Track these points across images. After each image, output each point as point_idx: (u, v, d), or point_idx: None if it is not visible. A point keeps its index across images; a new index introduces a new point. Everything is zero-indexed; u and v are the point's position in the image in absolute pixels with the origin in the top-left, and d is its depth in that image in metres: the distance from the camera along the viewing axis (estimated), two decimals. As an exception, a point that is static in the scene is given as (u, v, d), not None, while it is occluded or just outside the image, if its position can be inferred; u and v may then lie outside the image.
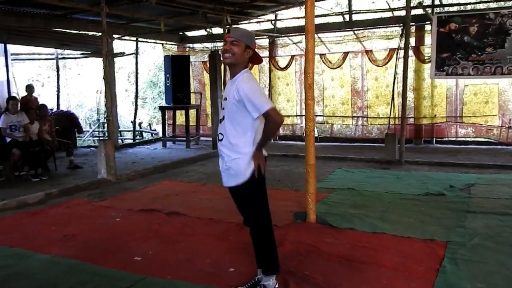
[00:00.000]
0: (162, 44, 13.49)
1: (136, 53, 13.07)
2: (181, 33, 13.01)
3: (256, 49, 3.33)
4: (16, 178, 7.70)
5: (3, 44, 11.03)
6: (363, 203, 5.77)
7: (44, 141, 8.08)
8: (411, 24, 8.97)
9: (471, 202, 5.74)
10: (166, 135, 12.29)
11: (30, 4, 8.54)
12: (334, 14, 11.50)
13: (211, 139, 11.28)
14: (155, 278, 3.59)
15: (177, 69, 11.20)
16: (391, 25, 10.77)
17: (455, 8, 10.69)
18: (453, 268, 3.69)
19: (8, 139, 7.66)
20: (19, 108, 8.03)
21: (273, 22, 12.09)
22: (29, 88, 10.49)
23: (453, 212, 5.33)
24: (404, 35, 8.86)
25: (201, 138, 12.30)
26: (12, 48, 11.69)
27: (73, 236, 4.65)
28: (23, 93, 10.76)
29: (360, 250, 4.12)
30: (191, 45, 13.51)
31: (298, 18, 11.92)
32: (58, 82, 13.51)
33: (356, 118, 11.63)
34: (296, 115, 12.37)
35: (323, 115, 11.74)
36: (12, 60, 11.86)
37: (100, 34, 9.07)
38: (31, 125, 7.98)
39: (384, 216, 5.19)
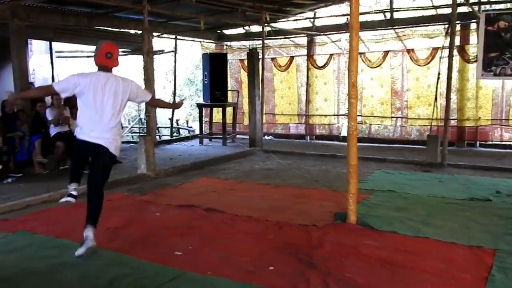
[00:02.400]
0: (201, 42, 13.60)
1: (175, 51, 13.21)
2: (219, 31, 13.08)
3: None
4: (60, 171, 7.92)
5: (48, 42, 11.40)
6: (405, 206, 5.62)
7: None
8: (456, 22, 8.67)
9: (520, 209, 5.50)
10: (203, 132, 12.38)
11: (74, 2, 8.77)
12: (375, 12, 11.28)
13: (247, 137, 11.29)
14: (195, 274, 3.59)
15: (214, 67, 11.27)
16: (434, 24, 10.48)
17: (502, 6, 10.26)
18: (503, 278, 3.52)
19: (52, 133, 7.89)
20: (62, 102, 8.26)
21: (311, 20, 11.98)
22: (72, 85, 10.76)
23: (501, 218, 5.12)
24: (449, 33, 8.58)
25: (237, 136, 12.33)
26: (55, 45, 12.04)
27: (114, 229, 4.73)
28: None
29: (402, 254, 4.00)
30: (228, 43, 13.57)
31: (338, 16, 11.79)
32: (99, 79, 13.80)
33: (395, 118, 11.39)
34: (333, 115, 12.22)
35: (361, 115, 11.55)
36: (56, 57, 12.22)
37: (141, 32, 9.25)
38: (73, 120, 8.19)
39: (426, 220, 5.03)
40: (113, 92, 4.25)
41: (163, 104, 5.71)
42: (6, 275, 3.59)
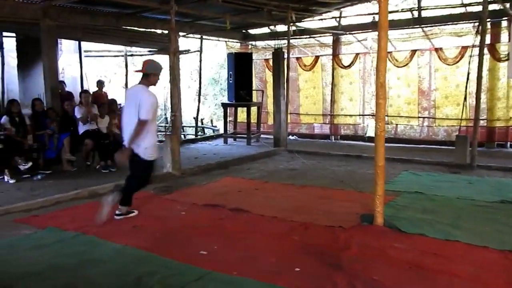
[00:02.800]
0: (226, 41, 13.64)
1: (200, 51, 13.29)
2: (244, 30, 13.09)
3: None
4: (87, 169, 8.06)
5: (77, 42, 11.61)
6: (433, 208, 5.51)
7: (113, 135, 8.40)
8: (487, 20, 8.45)
9: (554, 213, 5.33)
10: (228, 131, 12.41)
11: (102, 3, 8.90)
12: (403, 10, 11.10)
13: (272, 136, 11.27)
14: (221, 273, 3.59)
15: (239, 66, 11.28)
16: (463, 22, 10.25)
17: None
18: (537, 283, 3.43)
19: (81, 131, 8.03)
20: (90, 101, 8.41)
21: (337, 19, 11.87)
22: (100, 84, 10.96)
23: (534, 222, 4.97)
24: (479, 31, 8.37)
25: (262, 136, 12.32)
26: (84, 45, 12.26)
27: (141, 227, 4.79)
28: (93, 88, 11.26)
29: (431, 258, 3.93)
30: (253, 42, 13.57)
31: (364, 15, 11.65)
32: (126, 78, 14.02)
33: (421, 118, 11.19)
34: (359, 115, 12.09)
35: (387, 115, 11.37)
36: (84, 56, 12.45)
37: (167, 32, 9.33)
38: (102, 119, 8.33)
39: (456, 223, 4.92)
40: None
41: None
42: (37, 270, 3.66)
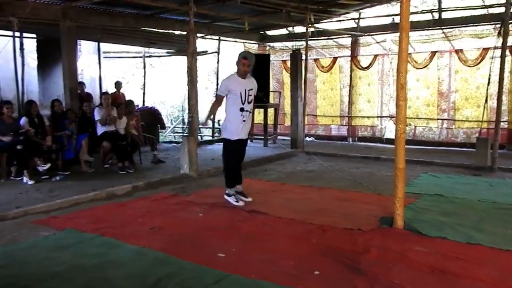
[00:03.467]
0: (243, 43, 13.64)
1: (218, 52, 13.32)
2: (261, 32, 13.08)
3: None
4: (105, 170, 8.12)
5: (96, 43, 11.73)
6: (454, 211, 5.42)
7: (131, 136, 8.46)
8: (509, 21, 8.29)
9: None
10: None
11: (122, 4, 8.98)
12: (423, 12, 10.97)
13: (289, 138, 11.23)
14: (239, 276, 3.56)
15: (257, 67, 11.09)
16: (484, 23, 10.09)
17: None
18: None
19: (99, 132, 8.09)
20: (110, 103, 8.47)
21: (356, 20, 11.78)
22: (118, 85, 11.06)
23: (558, 226, 4.85)
24: (501, 33, 8.22)
25: (279, 137, 12.29)
26: (102, 46, 12.37)
27: (159, 229, 4.78)
28: (111, 89, 11.36)
29: (454, 261, 3.85)
30: (271, 44, 13.55)
31: (383, 16, 11.55)
32: (144, 79, 14.12)
33: (441, 120, 11.03)
34: (377, 117, 11.98)
35: (406, 117, 11.22)
36: (103, 58, 12.56)
37: (185, 33, 9.36)
38: (119, 120, 8.39)
39: (478, 226, 4.82)
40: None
41: None
42: (57, 271, 3.68)
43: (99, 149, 8.09)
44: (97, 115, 8.06)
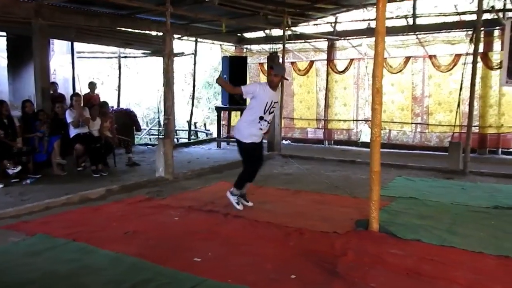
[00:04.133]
0: (221, 45, 13.60)
1: (195, 54, 13.24)
2: (239, 34, 13.06)
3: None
4: (78, 173, 7.95)
5: (70, 42, 11.50)
6: (428, 214, 5.50)
7: (105, 138, 8.31)
8: (480, 29, 8.51)
9: (547, 219, 5.34)
10: (221, 135, 12.35)
11: (97, 3, 8.82)
12: (398, 17, 11.15)
13: (265, 141, 11.19)
14: (216, 281, 3.52)
15: (234, 70, 11.25)
16: (457, 30, 10.32)
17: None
18: (535, 290, 3.41)
19: (72, 135, 7.91)
20: (82, 104, 8.30)
21: (332, 24, 11.89)
22: (92, 85, 10.87)
23: (529, 228, 4.98)
24: (473, 40, 8.41)
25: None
26: (76, 46, 12.15)
27: (134, 233, 4.69)
28: (85, 90, 11.15)
29: (429, 264, 3.89)
30: (248, 46, 13.54)
31: (359, 21, 11.68)
32: (119, 80, 13.92)
33: (415, 124, 11.23)
34: (352, 120, 12.10)
35: (381, 121, 11.37)
36: (77, 58, 12.33)
37: (162, 34, 9.26)
38: (93, 122, 8.23)
39: (452, 229, 4.91)
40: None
41: None
42: (31, 278, 3.57)
43: (72, 152, 7.91)
44: (69, 118, 7.85)
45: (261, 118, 5.42)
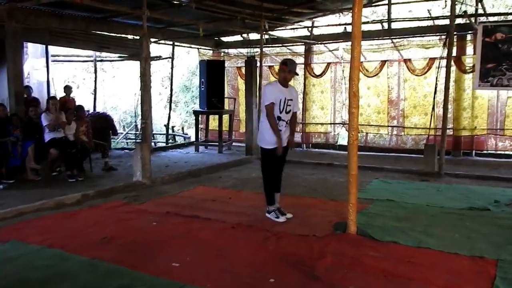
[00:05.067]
0: (198, 48, 13.56)
1: (172, 57, 13.16)
2: (216, 38, 13.05)
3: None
4: (53, 178, 7.80)
5: (44, 46, 11.28)
6: (405, 216, 5.58)
7: (80, 142, 8.17)
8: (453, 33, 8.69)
9: (519, 219, 5.48)
10: (199, 139, 12.30)
11: (72, 6, 8.69)
12: (373, 22, 11.31)
13: (243, 144, 11.22)
14: (194, 286, 3.50)
15: (212, 74, 11.23)
16: (431, 34, 10.52)
17: (496, 18, 10.34)
18: (507, 289, 3.49)
19: (47, 139, 7.77)
20: (58, 107, 8.16)
21: (309, 29, 11.99)
22: (67, 89, 10.69)
23: (501, 228, 5.10)
24: (446, 44, 8.59)
25: (234, 144, 12.27)
26: (51, 49, 11.93)
27: (111, 239, 4.63)
28: (60, 93, 10.96)
29: (406, 266, 3.95)
30: (226, 50, 13.53)
31: (335, 25, 11.80)
32: (95, 84, 13.74)
33: (391, 127, 11.38)
34: (330, 123, 12.20)
35: (358, 124, 11.49)
36: (51, 61, 12.11)
37: (138, 37, 9.18)
38: (68, 126, 8.10)
39: (428, 230, 4.99)
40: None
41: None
42: (4, 286, 3.49)
43: (47, 156, 7.76)
44: (44, 121, 7.72)
45: (279, 118, 5.20)
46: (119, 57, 13.29)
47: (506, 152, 10.47)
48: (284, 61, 5.33)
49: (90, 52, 13.33)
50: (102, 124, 10.99)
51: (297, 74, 5.64)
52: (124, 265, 3.89)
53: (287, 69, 5.21)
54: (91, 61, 13.95)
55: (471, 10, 10.15)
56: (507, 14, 10.28)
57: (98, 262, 3.96)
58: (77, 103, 10.18)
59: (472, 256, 4.19)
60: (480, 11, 9.78)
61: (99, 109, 13.87)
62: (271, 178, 5.47)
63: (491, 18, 9.99)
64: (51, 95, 10.70)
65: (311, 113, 12.37)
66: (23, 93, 8.71)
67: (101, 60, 14.47)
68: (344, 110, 11.86)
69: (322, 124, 12.29)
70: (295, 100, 5.40)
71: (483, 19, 9.66)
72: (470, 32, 10.02)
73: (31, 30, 8.87)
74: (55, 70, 13.01)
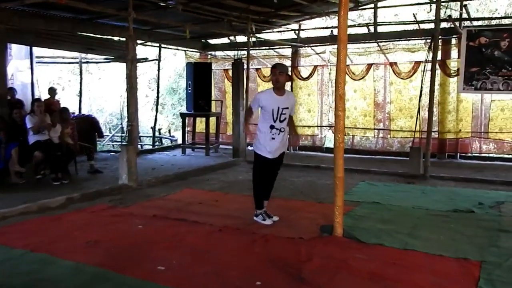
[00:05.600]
0: (185, 51, 13.52)
1: (159, 59, 13.10)
2: (203, 40, 13.03)
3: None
4: (37, 181, 7.70)
5: (28, 47, 11.15)
6: (390, 218, 5.61)
7: (66, 145, 8.09)
8: (438, 37, 8.80)
9: (503, 221, 5.55)
10: (186, 142, 12.25)
11: (57, 7, 8.60)
12: (359, 25, 11.40)
13: (230, 147, 11.20)
14: (181, 290, 3.49)
15: (199, 76, 11.20)
16: (416, 38, 10.64)
17: (480, 22, 10.53)
18: (491, 290, 3.53)
19: (31, 141, 7.67)
20: (43, 110, 8.06)
21: (296, 32, 12.04)
22: (52, 91, 10.57)
23: (485, 230, 5.15)
24: (431, 48, 8.69)
25: (221, 146, 12.24)
26: (35, 50, 11.79)
27: (96, 242, 4.58)
28: (45, 95, 10.84)
29: (392, 268, 3.98)
30: (213, 52, 13.52)
31: (322, 28, 11.88)
32: (80, 86, 13.61)
33: (377, 130, 11.47)
34: (317, 126, 12.25)
35: (344, 127, 11.55)
36: (36, 62, 11.96)
37: (125, 39, 9.13)
38: (53, 128, 8.00)
39: (413, 233, 5.02)
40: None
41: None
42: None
43: (31, 159, 7.66)
44: (28, 123, 7.61)
45: (272, 127, 5.17)
46: (105, 59, 13.20)
47: (490, 155, 10.61)
48: (274, 64, 5.41)
49: (76, 54, 13.21)
50: (88, 127, 10.89)
51: (290, 76, 5.59)
52: (110, 269, 3.86)
53: (277, 71, 5.13)
54: (77, 62, 13.81)
55: (455, 14, 10.30)
56: (491, 18, 10.45)
57: (83, 266, 3.92)
58: (62, 105, 10.05)
59: (457, 258, 4.22)
60: (465, 15, 9.93)
61: (84, 111, 13.73)
62: (261, 183, 5.42)
63: (475, 23, 10.19)
64: (36, 97, 10.56)
65: (298, 116, 12.39)
66: (7, 95, 8.60)
67: (87, 62, 14.35)
68: (331, 113, 11.92)
69: (309, 126, 12.33)
70: (292, 107, 5.37)
71: (467, 23, 9.82)
72: (454, 36, 10.15)
73: (15, 31, 8.76)
74: (39, 72, 12.87)
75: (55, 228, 5.15)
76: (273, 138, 5.19)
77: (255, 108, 5.29)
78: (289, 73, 5.50)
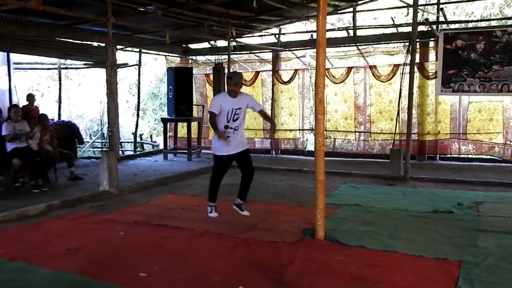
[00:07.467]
0: (165, 56, 13.47)
1: (139, 64, 13.02)
2: (184, 45, 12.99)
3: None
4: (16, 189, 7.57)
5: (5, 53, 10.97)
6: (372, 220, 5.67)
7: (45, 151, 7.97)
8: (416, 40, 8.94)
9: (481, 221, 5.66)
10: (168, 147, 12.19)
11: (35, 13, 8.49)
12: (339, 29, 11.51)
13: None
14: (163, 296, 3.47)
15: (180, 81, 11.17)
16: (395, 41, 10.79)
17: (457, 25, 10.71)
18: (470, 289, 3.59)
19: (9, 149, 7.54)
20: (20, 116, 7.93)
21: (276, 36, 12.09)
22: (30, 97, 10.41)
23: (464, 230, 5.24)
24: (409, 51, 8.83)
25: (203, 151, 12.21)
26: (13, 57, 11.62)
27: (76, 250, 4.53)
28: (23, 102, 10.67)
29: (373, 269, 4.02)
30: (194, 57, 13.48)
31: (302, 32, 11.94)
32: (60, 92, 13.42)
33: (358, 133, 11.57)
34: (298, 130, 12.30)
35: (325, 130, 11.65)
36: (13, 69, 11.78)
37: (104, 45, 9.06)
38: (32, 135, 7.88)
39: (394, 234, 5.09)
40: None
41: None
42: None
43: (9, 167, 7.52)
44: (4, 131, 7.48)
45: (226, 126, 5.55)
46: (84, 64, 13.06)
47: (469, 156, 10.79)
48: (229, 75, 5.81)
49: (55, 60, 13.05)
50: (68, 133, 10.74)
51: (242, 82, 5.94)
52: (90, 276, 3.82)
53: (232, 83, 5.55)
54: (56, 68, 13.63)
55: (432, 18, 10.48)
56: (467, 21, 10.65)
57: (63, 274, 3.87)
58: (41, 112, 9.91)
59: (436, 258, 4.29)
60: (441, 18, 10.09)
61: (64, 117, 13.55)
62: (218, 180, 5.88)
63: (452, 26, 10.34)
64: (13, 103, 10.39)
65: (279, 120, 12.44)
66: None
67: (66, 68, 14.16)
68: (312, 116, 11.97)
69: (291, 130, 12.37)
70: (243, 107, 5.73)
71: (444, 26, 9.98)
72: (432, 39, 10.31)
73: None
74: (18, 78, 12.67)
75: (34, 236, 5.08)
76: (228, 137, 5.56)
77: (218, 110, 5.56)
78: (242, 81, 6.00)
